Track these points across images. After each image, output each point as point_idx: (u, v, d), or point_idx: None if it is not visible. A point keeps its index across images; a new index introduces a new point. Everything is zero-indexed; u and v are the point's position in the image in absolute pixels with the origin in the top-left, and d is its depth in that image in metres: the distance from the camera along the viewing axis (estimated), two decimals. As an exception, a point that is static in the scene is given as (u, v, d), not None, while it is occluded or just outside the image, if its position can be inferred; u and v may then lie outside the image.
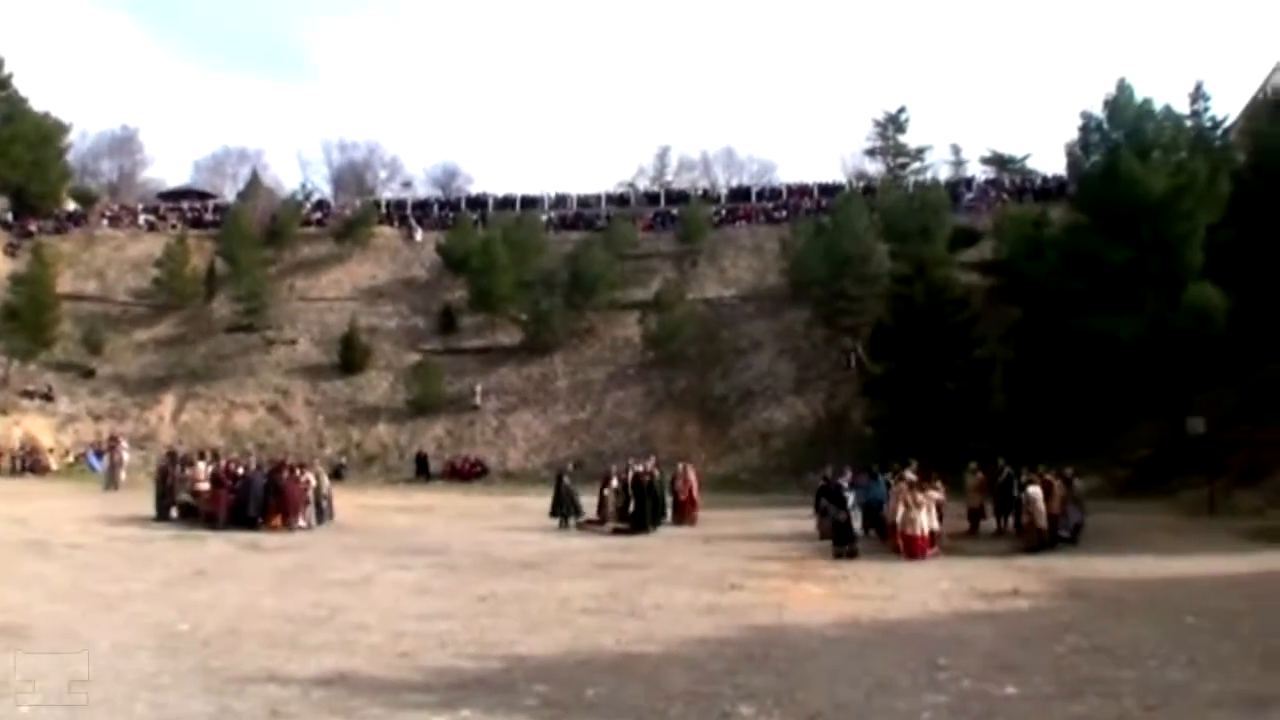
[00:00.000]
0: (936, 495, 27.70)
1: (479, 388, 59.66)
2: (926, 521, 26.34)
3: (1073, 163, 49.75)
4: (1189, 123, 48.52)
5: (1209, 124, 50.64)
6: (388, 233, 73.77)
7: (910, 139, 78.34)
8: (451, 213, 75.52)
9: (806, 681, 12.49)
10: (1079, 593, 19.72)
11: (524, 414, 58.93)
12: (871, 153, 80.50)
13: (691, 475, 35.95)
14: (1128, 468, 42.40)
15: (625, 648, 14.48)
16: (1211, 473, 35.86)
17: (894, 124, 77.75)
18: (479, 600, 18.67)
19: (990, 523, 31.13)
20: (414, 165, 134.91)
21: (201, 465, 34.63)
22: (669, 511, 34.42)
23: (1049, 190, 67.18)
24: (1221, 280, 40.76)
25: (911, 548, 25.94)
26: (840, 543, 26.11)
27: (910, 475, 28.39)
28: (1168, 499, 37.31)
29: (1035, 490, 27.65)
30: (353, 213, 74.82)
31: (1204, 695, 11.64)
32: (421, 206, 79.14)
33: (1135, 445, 44.58)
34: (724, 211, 73.16)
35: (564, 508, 34.01)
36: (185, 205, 79.56)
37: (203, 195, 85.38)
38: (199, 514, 32.60)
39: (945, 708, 11.28)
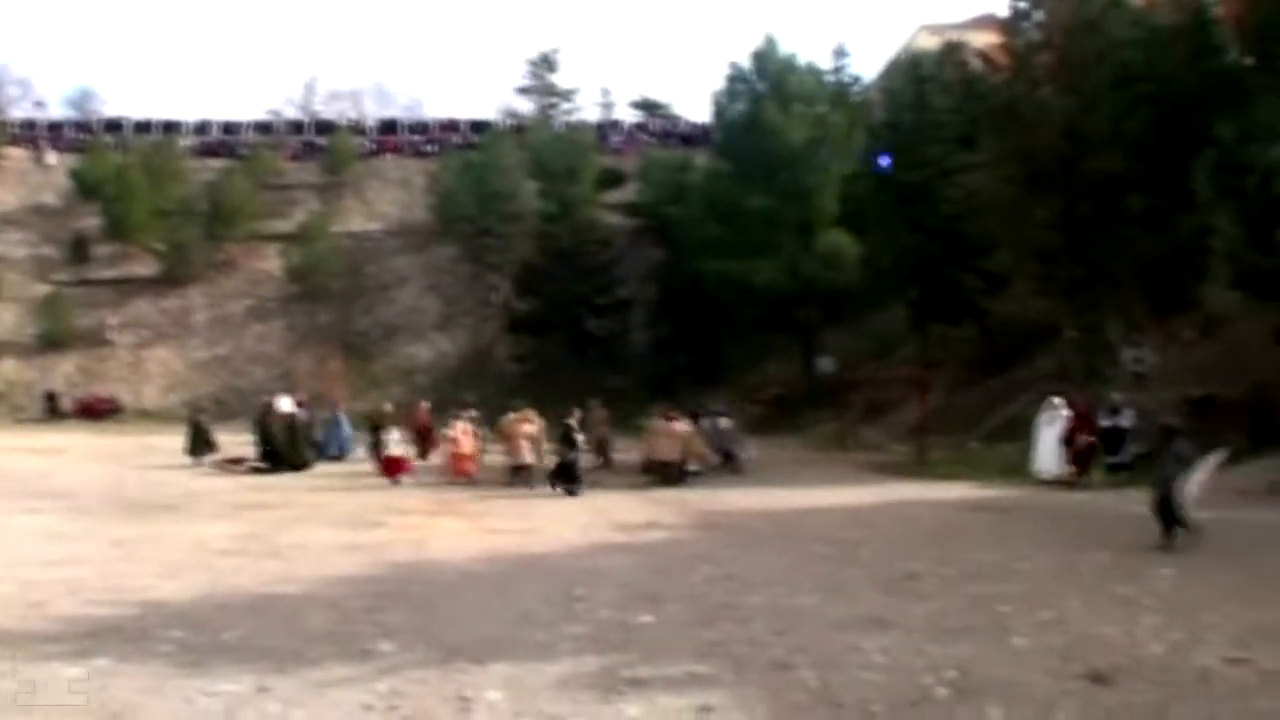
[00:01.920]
0: (529, 429, 28.40)
1: (113, 321, 57.07)
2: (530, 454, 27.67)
3: (719, 111, 50.90)
4: (830, 79, 50.28)
5: (848, 80, 52.63)
6: (16, 155, 69.33)
7: (562, 80, 78.63)
8: (86, 136, 71.61)
9: (447, 616, 12.31)
10: (713, 524, 20.17)
11: (160, 349, 56.84)
12: (523, 91, 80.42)
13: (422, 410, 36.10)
14: (762, 404, 44.01)
15: (264, 589, 13.95)
16: (840, 409, 37.56)
17: (546, 64, 77.77)
18: (113, 544, 17.66)
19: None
20: (47, 87, 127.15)
21: None
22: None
23: (694, 137, 68.75)
24: (853, 228, 42.53)
25: (388, 469, 28.15)
26: (563, 480, 26.00)
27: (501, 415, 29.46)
28: (800, 434, 38.88)
29: (657, 423, 28.38)
30: (-22, 133, 69.86)
31: (830, 618, 12.02)
32: (54, 128, 74.74)
33: (770, 383, 46.41)
34: (372, 144, 72.03)
35: (198, 447, 32.97)
36: None
37: None
38: None
39: (584, 637, 11.28)
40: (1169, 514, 15.87)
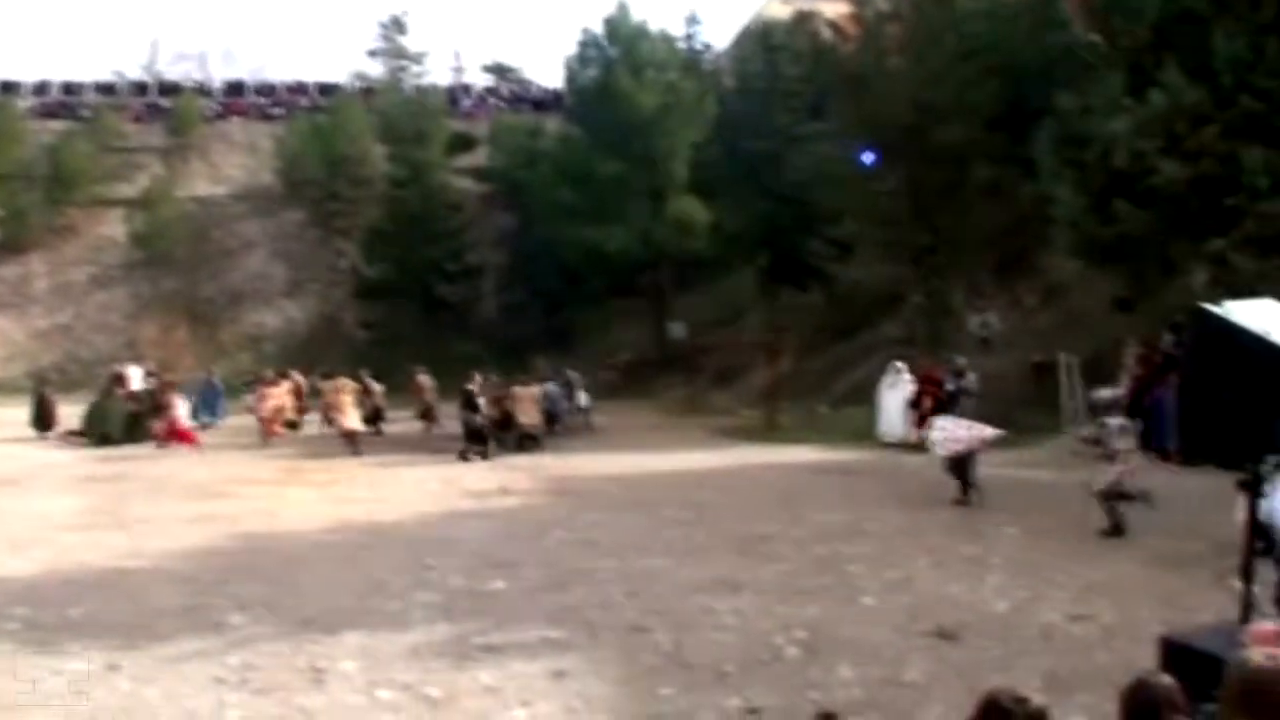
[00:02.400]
0: (347, 398, 28.84)
1: (-53, 291, 55.18)
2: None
3: (570, 77, 50.70)
4: (682, 47, 50.34)
5: (700, 48, 52.73)
6: None
7: (412, 43, 77.60)
8: (-81, 97, 68.81)
9: (299, 587, 12.21)
10: (565, 489, 20.23)
11: (-1, 318, 55.06)
12: (373, 54, 79.25)
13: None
14: (614, 370, 44.13)
15: (112, 563, 13.67)
16: (691, 375, 37.86)
17: (396, 26, 76.69)
18: (-47, 523, 17.19)
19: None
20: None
21: None
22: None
23: (546, 102, 68.33)
24: (703, 195, 42.79)
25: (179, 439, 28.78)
26: (472, 443, 25.83)
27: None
28: (651, 399, 39.07)
29: (518, 389, 28.52)
30: None
31: (682, 581, 12.16)
32: (-114, 89, 71.71)
33: (621, 349, 46.51)
34: (218, 106, 70.39)
35: (43, 419, 32.01)
36: None
37: None
38: None
39: (437, 606, 11.28)
40: (960, 469, 16.60)
